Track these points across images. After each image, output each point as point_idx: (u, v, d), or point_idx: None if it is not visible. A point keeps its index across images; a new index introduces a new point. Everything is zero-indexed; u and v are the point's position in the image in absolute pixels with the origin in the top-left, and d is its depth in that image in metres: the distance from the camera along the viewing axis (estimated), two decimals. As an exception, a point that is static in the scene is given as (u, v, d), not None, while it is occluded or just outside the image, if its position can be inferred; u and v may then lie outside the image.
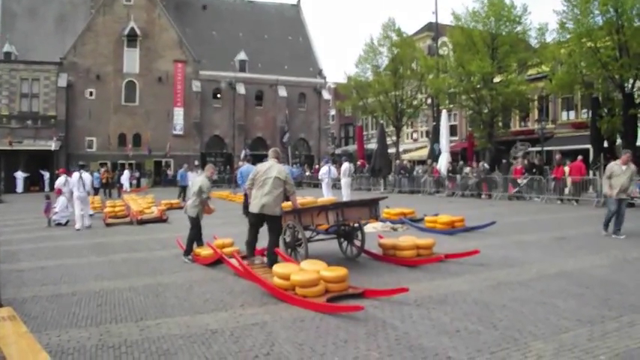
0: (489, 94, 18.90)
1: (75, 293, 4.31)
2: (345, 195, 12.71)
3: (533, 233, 7.41)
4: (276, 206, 4.74)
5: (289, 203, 5.71)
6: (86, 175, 9.69)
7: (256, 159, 16.20)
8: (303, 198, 7.10)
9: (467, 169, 16.75)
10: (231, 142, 33.10)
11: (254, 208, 4.83)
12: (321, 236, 5.89)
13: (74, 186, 9.23)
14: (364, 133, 31.49)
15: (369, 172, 21.23)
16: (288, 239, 5.25)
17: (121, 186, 21.38)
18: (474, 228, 7.77)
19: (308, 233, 5.55)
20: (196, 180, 5.88)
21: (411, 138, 30.73)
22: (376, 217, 5.43)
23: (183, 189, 14.52)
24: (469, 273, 4.84)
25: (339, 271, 4.04)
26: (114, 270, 5.33)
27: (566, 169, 13.33)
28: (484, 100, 19.35)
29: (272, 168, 4.83)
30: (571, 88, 16.46)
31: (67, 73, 29.76)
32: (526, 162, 16.00)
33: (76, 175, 9.43)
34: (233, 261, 4.96)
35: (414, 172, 19.67)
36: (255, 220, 4.92)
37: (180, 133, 31.54)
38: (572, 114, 21.11)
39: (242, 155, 29.30)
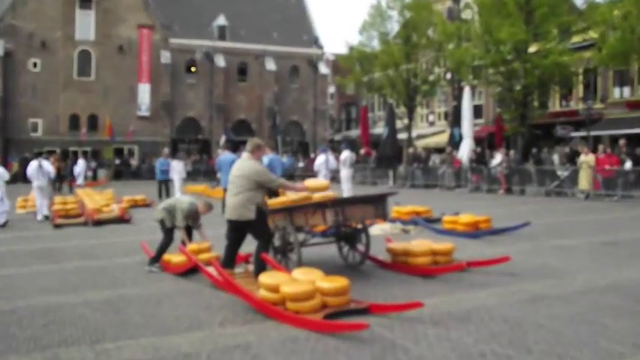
0: (523, 67, 18.57)
1: (15, 310, 4.26)
2: (346, 190, 12.76)
3: (576, 237, 7.44)
4: (247, 210, 4.72)
5: (278, 200, 5.72)
6: (46, 163, 10.56)
7: (238, 146, 16.39)
8: (296, 194, 7.11)
9: (498, 157, 16.62)
10: (208, 126, 33.16)
11: (225, 213, 4.86)
12: (317, 240, 5.98)
13: (33, 176, 10.10)
14: (369, 115, 31.39)
15: (375, 162, 21.35)
16: (277, 243, 5.26)
17: (74, 179, 21.24)
18: (504, 230, 7.80)
19: (301, 236, 5.59)
20: (182, 200, 5.81)
21: (427, 121, 30.75)
22: (384, 217, 5.41)
23: (164, 184, 14.02)
24: (497, 285, 4.85)
25: (339, 282, 4.03)
26: (64, 281, 5.29)
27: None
28: (516, 74, 19.14)
29: (240, 164, 4.85)
30: (626, 58, 16.12)
31: (3, 38, 29.32)
32: (567, 150, 16.04)
33: (34, 163, 10.29)
34: (211, 269, 4.95)
35: (430, 163, 19.73)
36: (231, 229, 4.95)
37: (147, 114, 31.45)
38: (626, 91, 20.30)
39: (221, 141, 29.24)
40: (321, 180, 5.80)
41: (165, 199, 13.06)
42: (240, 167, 4.82)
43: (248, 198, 4.77)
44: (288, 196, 6.03)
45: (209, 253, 5.78)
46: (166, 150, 15.03)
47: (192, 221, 5.85)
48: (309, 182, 5.59)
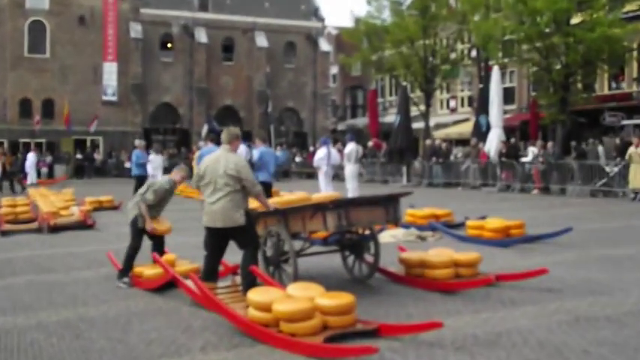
0: (564, 41, 18.14)
1: (-46, 335, 4.28)
2: (351, 189, 12.80)
3: (628, 245, 7.45)
4: (236, 212, 4.76)
5: (271, 201, 5.72)
6: None
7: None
8: (291, 193, 7.11)
9: (533, 150, 16.57)
10: (187, 114, 33.26)
11: (206, 219, 4.87)
12: (316, 248, 5.95)
13: None
14: (379, 100, 31.56)
15: (386, 156, 21.44)
16: (269, 253, 5.28)
17: (25, 176, 21.18)
18: (540, 237, 7.81)
19: (298, 244, 5.57)
20: (160, 180, 5.90)
21: (447, 107, 30.81)
22: (396, 222, 5.44)
23: (141, 181, 14.14)
24: (533, 302, 4.85)
25: (343, 299, 4.04)
26: (13, 299, 5.28)
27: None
28: (556, 50, 18.82)
29: (220, 161, 4.85)
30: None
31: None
32: (617, 141, 15.99)
33: None
34: (190, 283, 4.96)
35: (451, 157, 19.80)
36: (213, 238, 4.97)
37: (114, 99, 31.49)
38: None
39: (203, 132, 29.36)
40: (298, 194, 5.81)
41: None
42: (225, 163, 4.82)
43: (238, 199, 4.81)
44: (283, 197, 6.04)
45: (189, 264, 5.80)
46: (142, 141, 14.95)
47: (160, 202, 5.81)
48: (287, 197, 5.65)
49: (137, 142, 14.56)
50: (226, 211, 4.76)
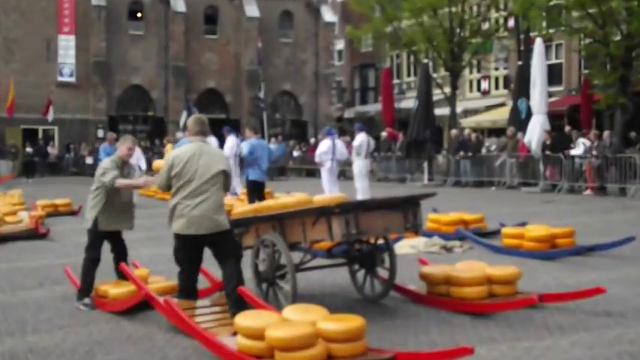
0: (625, 6, 17.90)
1: None
2: (361, 190, 12.86)
3: None
4: (222, 215, 4.88)
5: (264, 204, 5.72)
6: None
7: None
8: (289, 194, 7.10)
9: (584, 142, 16.29)
10: (162, 98, 33.34)
11: (182, 226, 4.86)
12: (319, 261, 5.93)
13: None
14: (394, 82, 31.58)
15: (404, 149, 21.48)
16: (262, 267, 5.30)
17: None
18: (594, 248, 7.81)
19: (297, 256, 5.57)
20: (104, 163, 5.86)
21: (478, 90, 30.76)
22: (416, 229, 5.46)
23: None
24: (586, 329, 4.83)
25: (351, 322, 4.03)
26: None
27: None
28: (615, 17, 18.58)
29: (204, 155, 4.89)
30: None
31: None
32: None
33: None
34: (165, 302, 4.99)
35: (483, 150, 19.79)
36: (192, 249, 5.00)
37: (71, 80, 31.55)
38: None
39: (182, 121, 29.37)
40: (296, 195, 5.84)
41: None
42: (214, 158, 4.88)
43: (221, 199, 4.93)
44: (278, 199, 6.04)
45: (164, 281, 5.81)
46: (113, 134, 14.93)
47: (123, 171, 5.84)
48: (284, 199, 5.64)
49: (109, 134, 14.49)
50: (213, 214, 4.79)
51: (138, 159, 14.12)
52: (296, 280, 5.00)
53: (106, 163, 5.82)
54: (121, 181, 5.64)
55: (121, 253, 5.93)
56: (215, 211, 4.81)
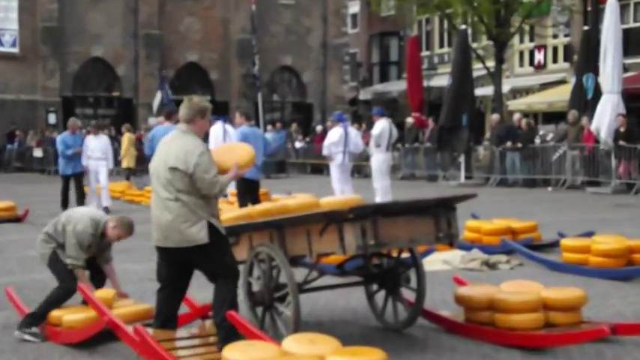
0: None
1: None
2: (381, 190, 12.83)
3: None
4: (192, 226, 4.77)
5: (258, 207, 5.68)
6: None
7: None
8: (289, 196, 7.09)
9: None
10: (130, 75, 33.39)
11: (155, 237, 4.94)
12: (328, 279, 5.92)
13: None
14: (423, 54, 31.45)
15: (435, 139, 21.43)
16: (256, 287, 5.31)
17: None
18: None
19: (301, 273, 5.57)
20: (78, 216, 5.82)
21: (531, 64, 30.58)
22: (450, 240, 5.40)
23: (76, 182, 13.52)
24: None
25: (368, 357, 4.03)
26: None
27: None
28: None
29: (165, 148, 4.92)
30: None
31: None
32: None
33: None
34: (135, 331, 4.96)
35: (537, 140, 19.71)
36: (167, 264, 5.03)
37: (14, 51, 31.46)
38: None
39: (155, 103, 29.35)
40: (299, 197, 5.81)
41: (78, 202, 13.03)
42: (171, 151, 4.85)
43: (194, 205, 4.79)
44: (277, 201, 6.03)
45: (132, 304, 5.80)
46: (77, 120, 14.71)
47: (99, 253, 5.88)
48: (284, 201, 5.58)
49: (71, 121, 13.91)
50: (176, 223, 4.78)
51: (105, 151, 14.07)
52: (299, 303, 5.00)
53: (77, 229, 5.65)
54: (82, 278, 5.67)
55: (98, 275, 6.00)
56: (181, 220, 4.75)
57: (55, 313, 5.68)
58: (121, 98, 33.02)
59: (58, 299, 5.70)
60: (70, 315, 5.61)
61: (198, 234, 4.77)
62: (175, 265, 5.02)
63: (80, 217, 5.79)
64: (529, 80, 29.23)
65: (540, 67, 29.44)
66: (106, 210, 13.22)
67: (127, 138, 21.34)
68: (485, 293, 5.51)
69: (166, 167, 4.81)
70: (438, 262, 7.98)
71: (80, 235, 5.66)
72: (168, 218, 4.80)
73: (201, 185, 4.77)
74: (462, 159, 20.18)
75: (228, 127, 13.69)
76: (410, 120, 24.03)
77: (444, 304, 6.00)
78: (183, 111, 5.00)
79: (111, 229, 5.77)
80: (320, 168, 24.72)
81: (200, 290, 5.85)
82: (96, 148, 13.80)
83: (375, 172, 13.14)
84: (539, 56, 29.69)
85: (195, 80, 33.46)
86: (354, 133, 13.38)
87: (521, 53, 30.53)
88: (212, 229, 4.83)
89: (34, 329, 5.62)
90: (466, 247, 8.65)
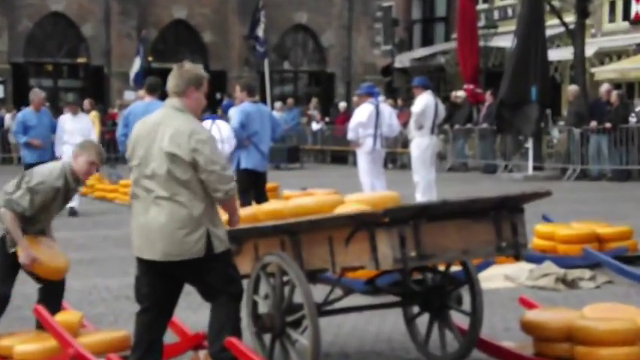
0: None
1: None
2: (424, 185, 12.83)
3: None
4: (192, 233, 4.80)
5: (265, 207, 5.71)
6: None
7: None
8: (305, 192, 7.09)
9: None
10: (100, 36, 33.44)
11: (137, 246, 4.95)
12: (355, 299, 5.93)
13: None
14: (479, 7, 31.10)
15: (493, 118, 21.16)
16: (264, 308, 5.34)
17: None
18: None
19: (321, 291, 5.60)
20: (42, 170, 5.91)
21: (625, 18, 30.10)
22: (516, 251, 5.34)
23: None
24: None
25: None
26: None
27: None
28: None
29: (158, 130, 4.92)
30: None
31: None
32: None
33: None
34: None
35: (631, 119, 19.40)
36: (151, 280, 5.04)
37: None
38: None
39: (133, 71, 29.11)
40: (319, 193, 5.79)
41: None
42: (167, 133, 4.88)
43: (195, 206, 4.83)
44: (289, 200, 6.05)
45: (103, 331, 5.86)
46: (40, 91, 14.71)
47: (52, 210, 5.93)
48: (299, 200, 5.61)
49: (34, 93, 13.96)
50: (170, 229, 4.80)
51: (87, 135, 14.10)
52: (318, 328, 4.97)
53: (44, 177, 5.72)
54: (9, 223, 5.65)
55: (52, 292, 5.96)
56: (177, 225, 4.77)
57: (5, 342, 5.67)
58: (88, 66, 33.19)
59: None
60: (24, 345, 5.60)
61: (196, 245, 4.79)
62: (162, 281, 5.00)
63: (46, 168, 5.88)
64: (622, 40, 28.82)
65: (638, 22, 29.00)
66: (73, 212, 13.40)
67: (92, 117, 21.43)
68: (562, 319, 5.47)
69: (161, 154, 4.81)
70: (498, 277, 7.96)
71: (42, 187, 5.67)
72: (159, 222, 4.79)
73: (208, 178, 4.78)
74: (529, 144, 20.05)
75: (222, 126, 13.48)
76: (461, 94, 23.91)
77: (506, 332, 5.99)
78: (172, 81, 4.98)
79: (81, 163, 5.76)
80: (343, 156, 24.74)
81: (191, 312, 5.91)
82: (75, 130, 13.69)
83: (415, 162, 13.08)
84: (636, 7, 29.21)
85: (184, 43, 33.55)
86: (387, 111, 13.34)
87: (612, 4, 30.04)
88: (213, 237, 4.86)
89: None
90: (536, 258, 8.57)
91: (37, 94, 13.91)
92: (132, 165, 4.99)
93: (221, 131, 10.55)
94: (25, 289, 6.17)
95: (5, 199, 5.69)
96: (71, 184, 5.80)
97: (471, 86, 23.84)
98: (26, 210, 5.66)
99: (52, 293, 5.93)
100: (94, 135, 14.62)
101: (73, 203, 13.87)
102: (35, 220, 5.81)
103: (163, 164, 4.78)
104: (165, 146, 4.77)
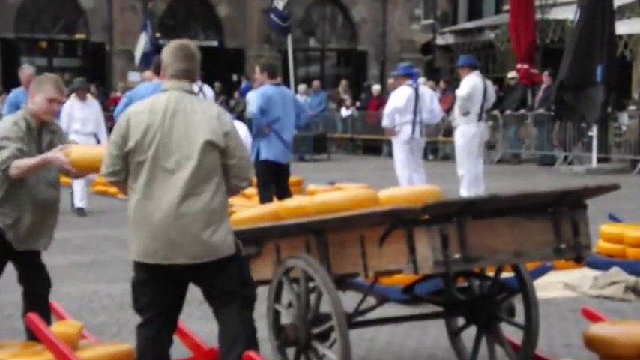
0: None
1: None
2: (470, 179, 12.87)
3: None
4: (217, 230, 4.86)
5: (276, 207, 5.72)
6: None
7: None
8: (333, 187, 7.11)
9: None
10: (101, 9, 33.63)
11: (141, 247, 4.95)
12: (390, 308, 5.96)
13: None
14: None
15: (551, 102, 21.09)
16: (287, 318, 5.36)
17: None
18: None
19: (350, 298, 5.61)
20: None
21: None
22: (577, 254, 5.32)
23: None
24: None
25: None
26: None
27: None
28: None
29: (178, 115, 4.95)
30: None
31: None
32: None
33: None
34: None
35: None
36: (158, 287, 5.06)
37: None
38: None
39: (138, 50, 29.33)
40: (350, 188, 5.76)
41: None
42: (198, 120, 4.91)
43: (216, 202, 4.87)
44: (315, 195, 6.06)
45: (107, 344, 5.88)
46: (32, 67, 14.82)
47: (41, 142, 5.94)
48: (325, 195, 5.62)
49: (24, 70, 13.92)
50: (195, 228, 4.82)
51: (97, 123, 14.16)
52: (349, 342, 4.98)
53: (5, 125, 5.83)
54: (21, 163, 5.67)
55: (37, 287, 6.00)
56: (200, 224, 4.85)
57: None
58: (87, 43, 33.39)
59: None
60: (15, 357, 5.65)
61: (224, 242, 4.84)
62: (168, 287, 5.02)
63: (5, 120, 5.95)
64: None
65: None
66: (81, 212, 13.52)
67: (124, 99, 21.45)
68: (633, 334, 5.46)
69: (190, 144, 4.83)
70: (557, 285, 7.95)
71: (5, 133, 5.71)
72: (182, 222, 4.82)
73: (238, 164, 4.84)
74: (593, 132, 19.97)
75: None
76: (514, 74, 23.81)
77: (566, 348, 5.98)
78: (184, 63, 5.02)
79: (35, 101, 5.80)
80: (377, 146, 24.76)
81: (204, 322, 5.92)
82: (88, 119, 13.98)
83: (460, 153, 13.13)
84: None
85: (196, 18, 33.68)
86: (428, 94, 13.34)
87: None
88: (231, 232, 4.92)
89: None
90: (601, 263, 8.55)
91: (24, 71, 13.93)
92: (138, 159, 4.88)
93: (247, 96, 10.63)
94: (16, 297, 6.17)
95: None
96: (32, 125, 5.79)
97: (525, 66, 23.65)
98: (15, 153, 5.62)
99: (35, 290, 5.99)
100: (103, 123, 14.71)
101: (82, 203, 14.03)
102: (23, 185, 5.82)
103: (193, 154, 4.81)
104: (201, 134, 4.81)
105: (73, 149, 5.72)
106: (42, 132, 5.85)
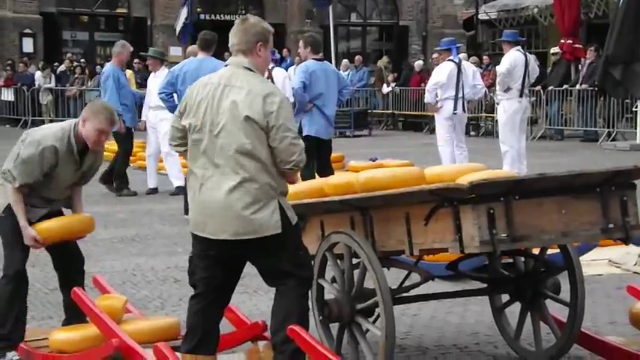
0: None
1: None
2: (512, 155, 12.80)
3: None
4: (265, 208, 4.85)
5: (321, 183, 5.71)
6: None
7: (222, 42, 15.62)
8: (376, 163, 7.11)
9: None
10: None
11: (192, 219, 5.00)
12: (435, 285, 5.94)
13: None
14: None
15: (597, 78, 20.71)
16: (331, 294, 5.37)
17: None
18: None
19: (394, 275, 5.61)
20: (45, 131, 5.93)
21: None
22: (625, 233, 5.19)
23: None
24: None
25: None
26: None
27: None
28: None
29: (224, 90, 4.95)
30: None
31: None
32: None
33: None
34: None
35: None
36: (211, 263, 5.08)
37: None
38: None
39: (178, 25, 29.17)
40: (391, 164, 5.69)
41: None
42: (244, 96, 4.88)
43: (264, 180, 4.86)
44: (359, 172, 6.05)
45: (158, 317, 5.92)
46: (124, 44, 14.25)
47: (59, 181, 5.93)
48: (370, 172, 5.61)
49: (119, 47, 13.81)
50: (240, 205, 4.83)
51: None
52: (393, 318, 4.98)
53: (38, 141, 5.70)
54: (16, 206, 5.68)
55: (71, 265, 6.06)
56: (251, 200, 4.80)
57: (56, 337, 5.66)
58: (128, 17, 33.37)
59: (8, 300, 5.74)
60: (62, 333, 5.71)
61: (270, 220, 4.82)
62: (222, 263, 5.03)
63: (47, 130, 5.90)
64: None
65: None
66: (155, 191, 13.49)
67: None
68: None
69: (232, 120, 4.83)
70: (602, 263, 7.89)
71: (32, 155, 5.66)
72: (228, 198, 4.82)
73: (279, 146, 4.81)
74: (638, 107, 19.81)
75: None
76: (557, 50, 23.60)
77: (611, 325, 5.95)
78: (238, 37, 5.01)
79: (87, 129, 5.74)
80: (418, 122, 24.66)
81: (247, 297, 5.94)
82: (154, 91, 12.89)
83: (502, 129, 13.06)
84: None
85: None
86: (471, 70, 13.28)
87: None
88: (287, 209, 4.92)
89: (13, 356, 5.73)
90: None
91: (122, 49, 13.78)
92: (192, 131, 4.93)
93: (288, 72, 10.59)
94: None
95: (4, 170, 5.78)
96: (74, 149, 5.76)
97: (569, 41, 23.42)
98: (23, 180, 5.68)
99: (70, 268, 6.06)
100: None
101: (153, 183, 13.68)
102: (40, 193, 5.87)
103: (234, 131, 4.81)
104: (240, 110, 4.80)
105: (43, 224, 5.79)
106: (85, 154, 5.85)
